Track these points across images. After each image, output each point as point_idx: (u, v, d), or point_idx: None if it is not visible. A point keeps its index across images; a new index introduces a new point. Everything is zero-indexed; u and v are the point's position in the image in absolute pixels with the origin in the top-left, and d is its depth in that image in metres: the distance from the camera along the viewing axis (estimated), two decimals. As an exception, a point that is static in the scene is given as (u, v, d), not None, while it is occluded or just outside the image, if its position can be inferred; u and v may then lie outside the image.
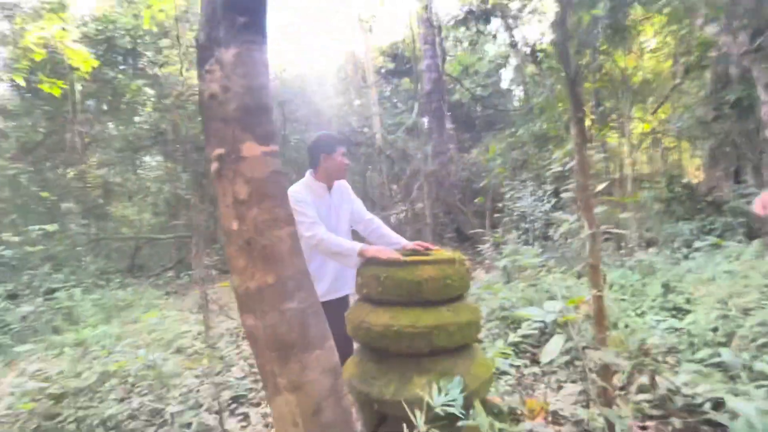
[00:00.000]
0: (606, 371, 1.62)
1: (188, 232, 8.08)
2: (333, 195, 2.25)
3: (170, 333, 3.75)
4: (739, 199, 5.82)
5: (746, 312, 2.37)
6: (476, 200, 7.26)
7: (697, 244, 4.49)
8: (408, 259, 1.74)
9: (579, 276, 4.49)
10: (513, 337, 2.34)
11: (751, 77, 5.36)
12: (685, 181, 8.05)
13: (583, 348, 1.67)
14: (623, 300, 3.23)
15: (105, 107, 8.40)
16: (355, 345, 2.06)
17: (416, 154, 7.62)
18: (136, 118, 9.69)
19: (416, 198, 7.43)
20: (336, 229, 2.14)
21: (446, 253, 1.92)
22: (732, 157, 7.16)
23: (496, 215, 6.56)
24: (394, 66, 16.20)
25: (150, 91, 8.19)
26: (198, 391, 2.53)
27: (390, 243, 2.22)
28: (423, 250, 2.07)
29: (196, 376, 2.63)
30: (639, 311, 2.92)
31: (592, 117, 8.08)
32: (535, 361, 2.74)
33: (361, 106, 9.71)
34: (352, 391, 1.72)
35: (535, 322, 2.15)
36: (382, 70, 16.26)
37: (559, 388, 2.31)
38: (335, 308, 2.18)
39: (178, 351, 3.34)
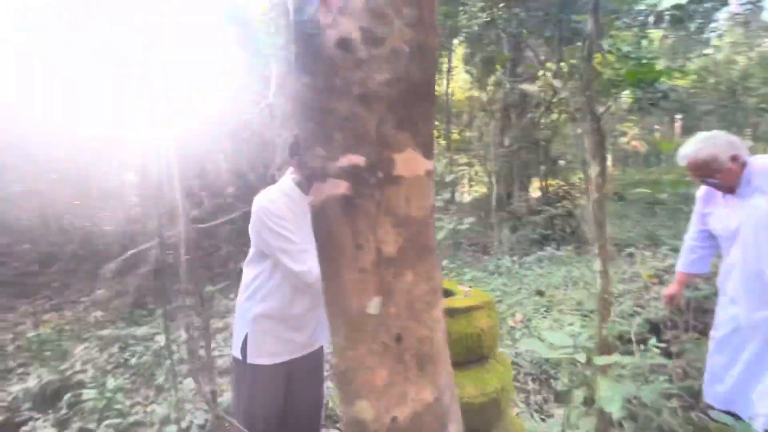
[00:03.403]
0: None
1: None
2: None
3: None
4: (530, 215, 7.67)
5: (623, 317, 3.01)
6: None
7: (534, 252, 5.61)
8: (456, 305, 1.38)
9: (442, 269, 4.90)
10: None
11: (556, 127, 7.17)
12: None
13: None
14: (509, 306, 3.66)
15: None
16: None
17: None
18: None
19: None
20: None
21: (462, 288, 1.64)
22: (514, 178, 9.49)
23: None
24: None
25: None
26: None
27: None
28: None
29: None
30: (531, 318, 3.36)
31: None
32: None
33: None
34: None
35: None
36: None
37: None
38: (307, 365, 1.59)
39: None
